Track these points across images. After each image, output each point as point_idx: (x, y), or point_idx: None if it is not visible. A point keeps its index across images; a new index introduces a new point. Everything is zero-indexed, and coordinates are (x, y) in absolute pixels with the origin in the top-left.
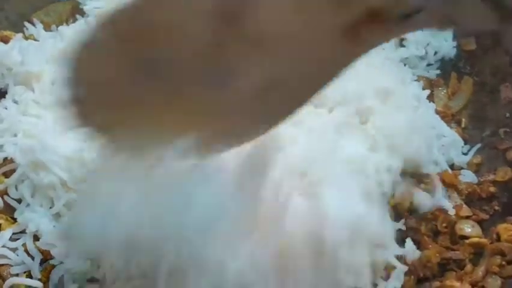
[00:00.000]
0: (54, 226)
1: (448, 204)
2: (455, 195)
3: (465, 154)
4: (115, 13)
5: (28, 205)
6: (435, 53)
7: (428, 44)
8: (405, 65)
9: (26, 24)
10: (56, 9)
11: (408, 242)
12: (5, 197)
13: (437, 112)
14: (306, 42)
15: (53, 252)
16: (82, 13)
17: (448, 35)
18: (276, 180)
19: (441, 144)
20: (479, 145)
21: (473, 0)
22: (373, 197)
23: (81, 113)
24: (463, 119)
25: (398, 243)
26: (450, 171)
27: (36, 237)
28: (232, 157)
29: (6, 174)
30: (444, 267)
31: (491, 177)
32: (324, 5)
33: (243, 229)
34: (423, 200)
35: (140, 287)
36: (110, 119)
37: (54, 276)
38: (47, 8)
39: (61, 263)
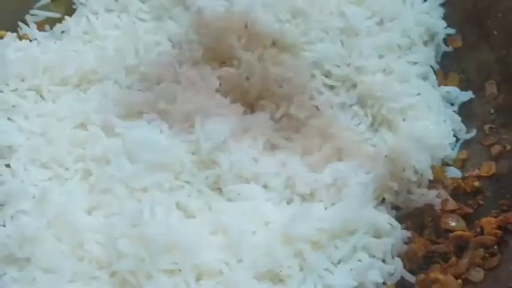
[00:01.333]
0: None
1: (436, 199)
2: (441, 190)
3: (452, 149)
4: None
5: None
6: None
7: None
8: None
9: (20, 24)
10: (49, 9)
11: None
12: None
13: None
14: None
15: None
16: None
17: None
18: None
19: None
20: (464, 140)
21: None
22: None
23: None
24: None
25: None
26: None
27: None
28: None
29: None
30: (429, 260)
31: (476, 172)
32: None
33: None
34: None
35: None
36: None
37: None
38: (40, 7)
39: None
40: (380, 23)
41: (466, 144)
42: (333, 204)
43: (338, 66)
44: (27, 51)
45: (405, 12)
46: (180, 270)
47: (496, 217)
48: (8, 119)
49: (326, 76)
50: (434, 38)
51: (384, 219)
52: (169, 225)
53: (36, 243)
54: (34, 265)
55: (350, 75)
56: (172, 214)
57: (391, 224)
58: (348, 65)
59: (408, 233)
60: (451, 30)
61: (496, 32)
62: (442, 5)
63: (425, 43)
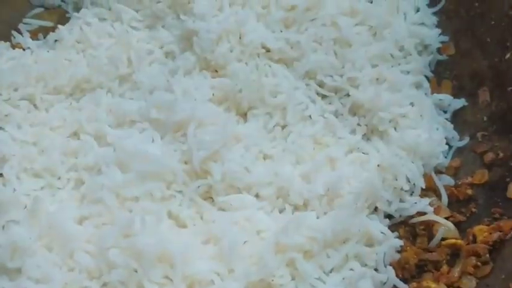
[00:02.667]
0: None
1: (429, 208)
2: (434, 198)
3: (445, 157)
4: None
5: None
6: None
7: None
8: None
9: (13, 33)
10: (42, 18)
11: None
12: None
13: None
14: None
15: None
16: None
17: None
18: None
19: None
20: (457, 148)
21: None
22: None
23: None
24: None
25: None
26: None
27: None
28: None
29: None
30: (421, 268)
31: (469, 179)
32: None
33: None
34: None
35: None
36: None
37: None
38: (34, 16)
39: None
40: (374, 33)
41: (459, 151)
42: (325, 213)
43: (331, 76)
44: (21, 60)
45: (398, 23)
46: (171, 280)
47: (488, 225)
48: (1, 128)
49: (319, 86)
50: (428, 48)
51: (377, 228)
52: (160, 235)
53: (27, 253)
54: (25, 275)
55: (342, 86)
56: (164, 224)
57: (383, 233)
58: (341, 75)
59: (400, 242)
60: (444, 38)
61: (489, 40)
62: (435, 13)
63: (419, 53)
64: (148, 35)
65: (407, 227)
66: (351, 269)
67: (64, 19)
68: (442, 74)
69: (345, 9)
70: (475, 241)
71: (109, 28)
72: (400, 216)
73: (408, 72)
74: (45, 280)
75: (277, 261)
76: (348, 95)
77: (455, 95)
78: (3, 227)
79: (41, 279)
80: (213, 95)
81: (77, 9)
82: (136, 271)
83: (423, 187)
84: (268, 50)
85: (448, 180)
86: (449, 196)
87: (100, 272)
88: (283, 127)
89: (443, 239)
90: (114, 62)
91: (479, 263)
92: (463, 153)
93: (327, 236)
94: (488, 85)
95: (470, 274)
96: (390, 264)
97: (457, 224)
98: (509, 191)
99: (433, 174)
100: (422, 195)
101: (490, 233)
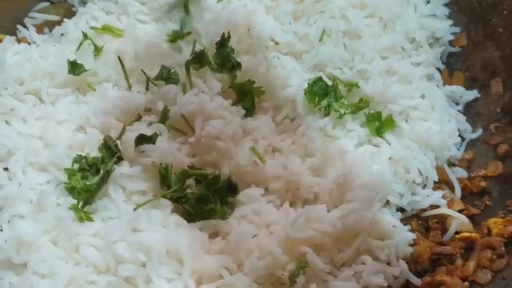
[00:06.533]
0: None
1: (442, 200)
2: (447, 190)
3: (457, 149)
4: None
5: None
6: None
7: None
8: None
9: (19, 27)
10: (48, 12)
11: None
12: None
13: None
14: None
15: None
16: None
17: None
18: None
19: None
20: (470, 140)
21: None
22: None
23: None
24: None
25: None
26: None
27: None
28: None
29: None
30: (435, 262)
31: (482, 172)
32: None
33: None
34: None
35: None
36: None
37: None
38: (40, 10)
39: None
40: (384, 25)
41: (472, 143)
42: (335, 206)
43: (341, 69)
44: (26, 54)
45: (409, 15)
46: (180, 274)
47: (503, 218)
48: (6, 122)
49: (329, 78)
50: (439, 40)
51: (388, 221)
52: (168, 229)
53: (32, 248)
54: (31, 270)
55: (353, 78)
56: (171, 218)
57: (395, 226)
58: (351, 68)
59: (413, 235)
60: (456, 29)
61: (501, 30)
62: (446, 4)
63: (430, 45)
64: (155, 28)
65: (419, 220)
66: (363, 263)
67: (70, 13)
68: (454, 66)
69: (354, 1)
70: (489, 234)
71: (116, 22)
72: (412, 209)
73: (419, 64)
74: (51, 275)
75: (287, 256)
76: (358, 87)
77: (468, 87)
78: (8, 221)
79: (47, 273)
80: (221, 88)
81: (84, 3)
82: (144, 266)
83: (436, 180)
84: (276, 43)
85: (461, 172)
86: (462, 189)
87: (107, 267)
88: (292, 120)
89: (457, 232)
90: (121, 55)
91: (494, 256)
92: (476, 145)
93: (338, 229)
94: (501, 76)
95: (486, 267)
96: (403, 258)
97: (471, 217)
98: None
99: (446, 167)
100: (435, 188)
101: (505, 226)
